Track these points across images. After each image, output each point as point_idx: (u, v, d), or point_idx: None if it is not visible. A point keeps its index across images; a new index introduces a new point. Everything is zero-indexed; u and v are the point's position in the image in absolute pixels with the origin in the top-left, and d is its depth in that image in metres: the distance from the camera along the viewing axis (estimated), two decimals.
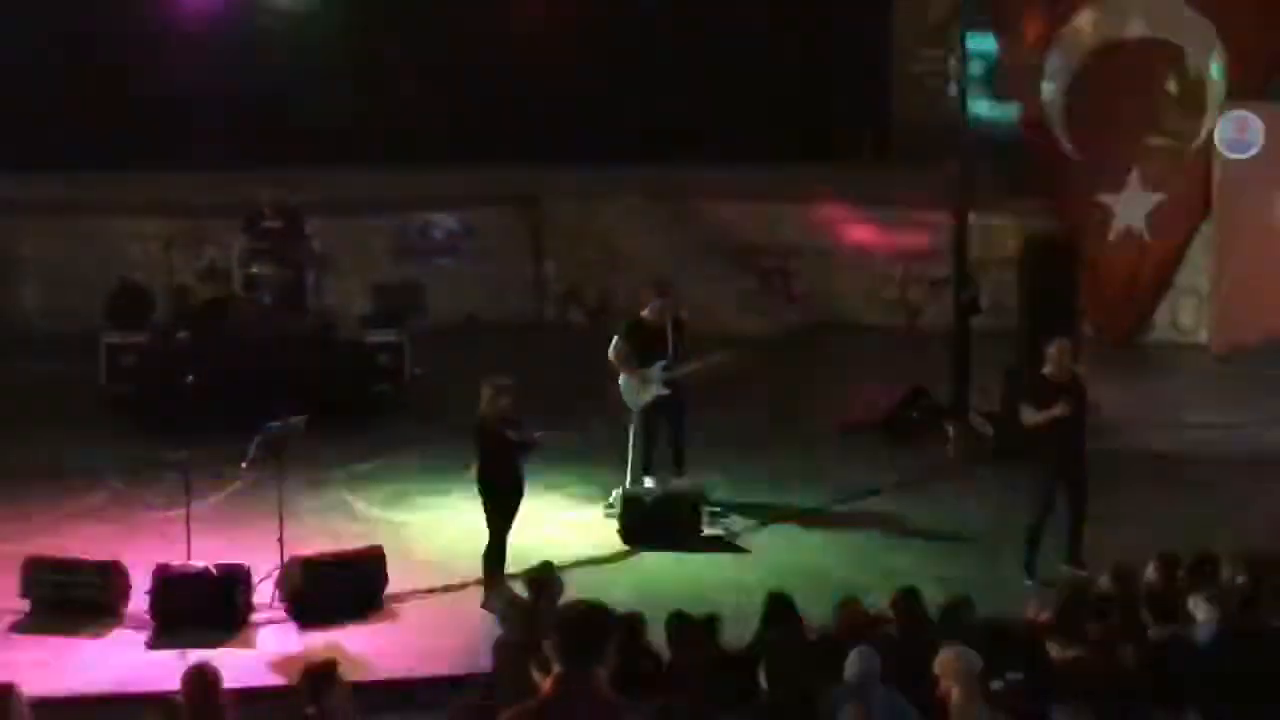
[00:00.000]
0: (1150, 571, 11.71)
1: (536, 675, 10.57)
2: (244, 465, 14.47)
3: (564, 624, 6.53)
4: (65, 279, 22.51)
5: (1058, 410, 13.98)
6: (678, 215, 23.82)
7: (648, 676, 10.02)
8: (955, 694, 9.19)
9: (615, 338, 16.06)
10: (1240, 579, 11.69)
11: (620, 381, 15.94)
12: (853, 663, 9.88)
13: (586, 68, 24.20)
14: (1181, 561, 11.80)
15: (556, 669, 6.43)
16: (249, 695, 11.80)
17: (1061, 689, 9.80)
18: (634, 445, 16.10)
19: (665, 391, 15.90)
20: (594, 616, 6.56)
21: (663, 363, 15.85)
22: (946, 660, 9.46)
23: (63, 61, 23.24)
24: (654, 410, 16.02)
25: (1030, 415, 14.26)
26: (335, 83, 23.86)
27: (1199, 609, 11.05)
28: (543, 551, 13.76)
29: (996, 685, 9.93)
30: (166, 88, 23.18)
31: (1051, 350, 14.47)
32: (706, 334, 16.94)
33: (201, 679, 10.29)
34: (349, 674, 11.13)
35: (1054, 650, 10.58)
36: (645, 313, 16.20)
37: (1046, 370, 14.41)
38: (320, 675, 10.31)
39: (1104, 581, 11.69)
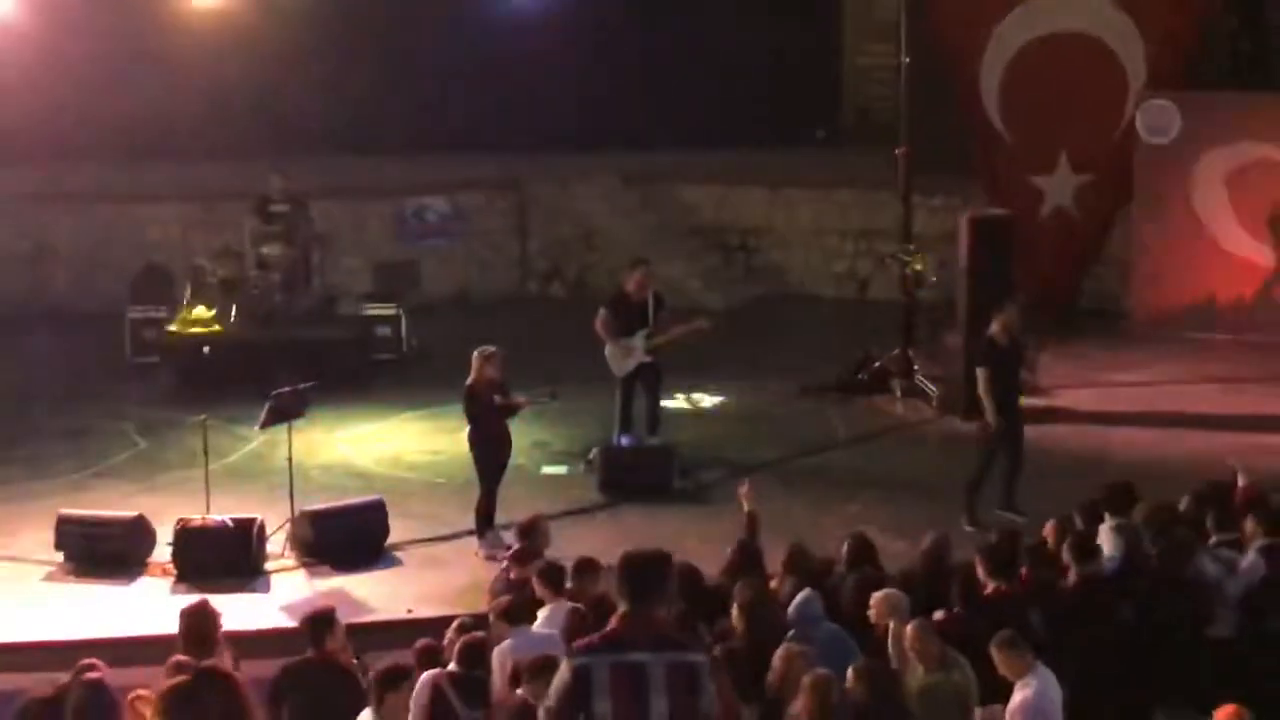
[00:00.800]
0: (1075, 519, 11.90)
1: (499, 620, 10.73)
2: (256, 428, 14.74)
3: (628, 568, 6.64)
4: (93, 261, 22.57)
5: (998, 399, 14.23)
6: (648, 198, 23.99)
7: (709, 615, 10.15)
8: (891, 627, 9.42)
9: (601, 310, 16.19)
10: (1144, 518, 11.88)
11: (606, 351, 16.04)
12: (796, 605, 10.01)
13: (567, 63, 24.29)
14: (1099, 509, 11.99)
15: (623, 607, 6.56)
16: (261, 637, 12.04)
17: (992, 619, 9.95)
18: (618, 407, 16.22)
19: (647, 359, 16.04)
20: (655, 561, 6.69)
21: (644, 332, 15.98)
22: (878, 600, 9.68)
23: (88, 60, 23.20)
24: (635, 375, 16.13)
25: (984, 381, 14.34)
26: (336, 77, 23.88)
27: (1105, 540, 11.24)
28: (529, 503, 14.00)
29: (938, 615, 10.16)
30: (182, 82, 23.17)
31: (1001, 317, 14.63)
32: (675, 306, 17.01)
33: (199, 614, 10.46)
34: (351, 617, 11.36)
35: (988, 586, 10.77)
36: (628, 287, 16.32)
37: (995, 335, 14.57)
38: (320, 620, 10.47)
39: (1046, 529, 11.94)
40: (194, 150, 23.25)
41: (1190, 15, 21.31)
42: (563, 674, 6.44)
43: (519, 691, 8.80)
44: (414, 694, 8.85)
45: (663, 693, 6.28)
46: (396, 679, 8.79)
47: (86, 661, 10.33)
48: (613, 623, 6.55)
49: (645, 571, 6.60)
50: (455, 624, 10.25)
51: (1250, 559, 10.87)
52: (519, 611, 10.32)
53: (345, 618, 11.07)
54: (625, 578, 6.62)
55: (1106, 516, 11.61)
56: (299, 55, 23.56)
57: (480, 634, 9.80)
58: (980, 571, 11.05)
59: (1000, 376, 14.40)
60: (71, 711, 9.68)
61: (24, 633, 12.57)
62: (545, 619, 10.47)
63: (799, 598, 10.08)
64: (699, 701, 6.35)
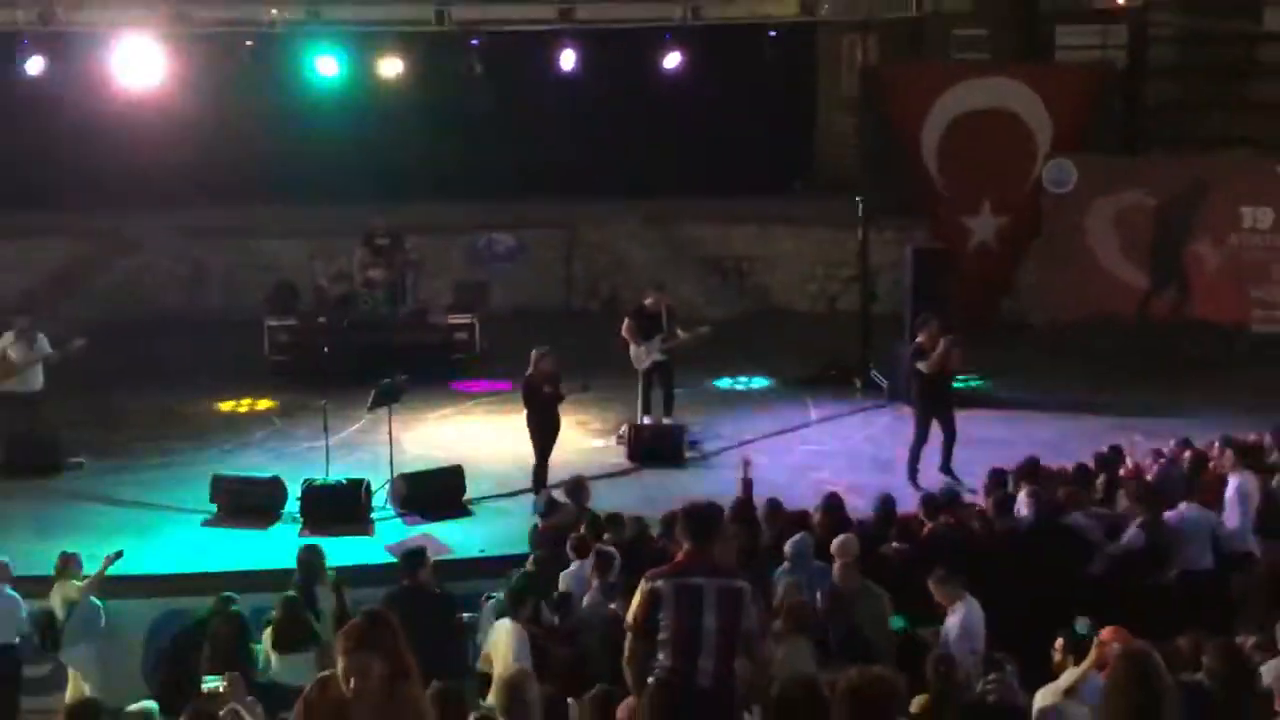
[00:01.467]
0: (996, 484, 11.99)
1: (570, 553, 10.92)
2: (365, 410, 14.95)
3: (689, 514, 6.75)
4: (237, 281, 22.69)
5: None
6: (664, 234, 23.94)
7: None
8: (840, 564, 9.52)
9: (626, 320, 16.32)
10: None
11: (630, 351, 16.14)
12: (790, 545, 10.14)
13: (603, 129, 24.35)
14: (1008, 475, 12.07)
15: (686, 545, 6.65)
16: (368, 570, 12.17)
17: (929, 554, 10.03)
18: (640, 394, 16.30)
19: (661, 358, 16.10)
20: (711, 509, 6.79)
21: (660, 337, 16.04)
22: (837, 544, 9.80)
23: (234, 120, 23.38)
24: (653, 370, 16.19)
25: (924, 366, 14.49)
26: (426, 138, 23.86)
27: (1022, 505, 11.30)
28: (574, 467, 14.22)
29: (887, 550, 10.28)
30: (307, 141, 23.32)
31: (929, 324, 14.76)
32: (684, 317, 17.01)
33: (313, 551, 10.63)
34: (436, 555, 11.47)
35: (926, 527, 10.89)
36: (647, 302, 16.46)
37: (923, 341, 14.66)
38: (414, 556, 10.59)
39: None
40: (316, 195, 23.28)
41: (1085, 96, 21.36)
42: (641, 591, 6.56)
43: None
44: None
45: (714, 610, 6.36)
46: None
47: (226, 594, 10.58)
48: (679, 556, 6.67)
49: (703, 518, 6.71)
50: None
51: (1131, 533, 10.88)
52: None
53: (432, 556, 11.24)
54: (687, 523, 6.72)
55: (1023, 484, 11.70)
56: (397, 120, 23.61)
57: None
58: (920, 514, 11.22)
59: (930, 371, 14.53)
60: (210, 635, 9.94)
61: (186, 566, 12.73)
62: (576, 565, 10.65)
63: (794, 540, 10.24)
64: (741, 620, 6.45)
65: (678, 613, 6.35)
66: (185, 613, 11.61)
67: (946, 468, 14.50)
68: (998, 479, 11.93)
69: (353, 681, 4.86)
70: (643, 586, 6.60)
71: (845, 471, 14.91)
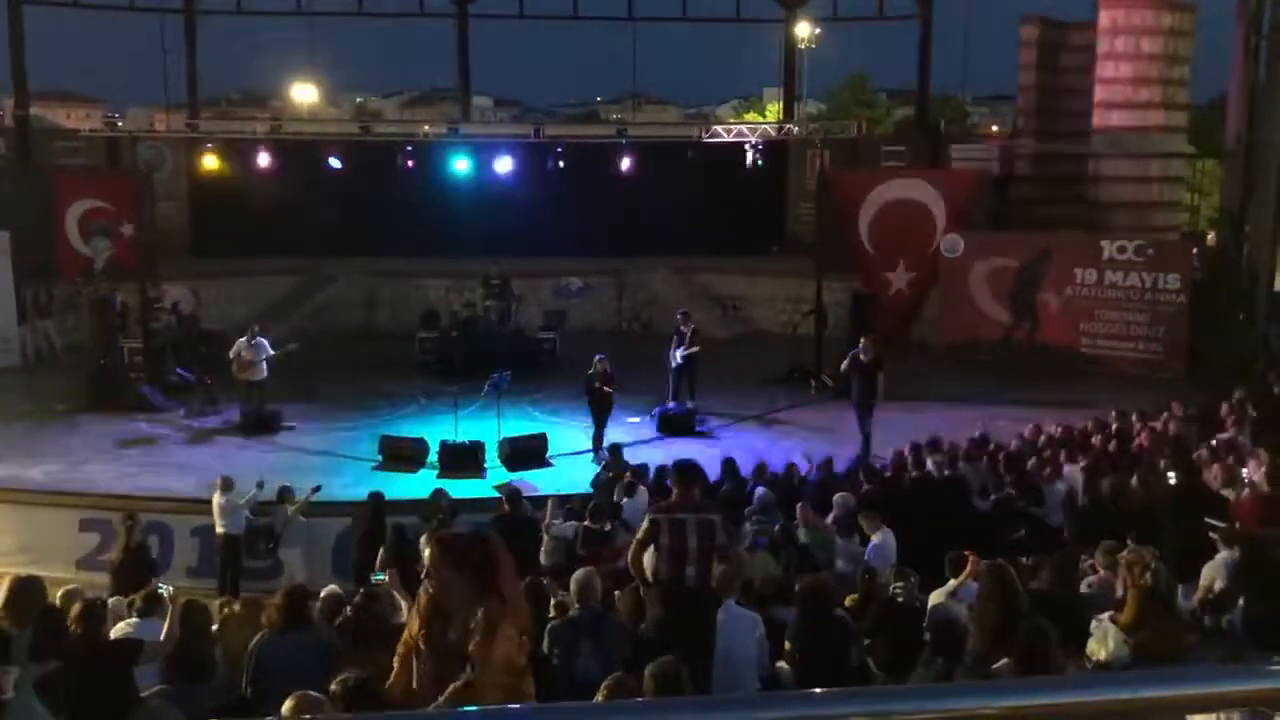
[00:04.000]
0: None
1: (619, 493, 10.84)
2: (483, 394, 14.92)
3: (677, 467, 6.74)
4: (397, 307, 22.76)
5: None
6: (684, 279, 23.88)
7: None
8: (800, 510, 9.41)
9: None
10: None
11: (664, 355, 16.15)
12: (757, 498, 10.01)
13: (642, 208, 24.33)
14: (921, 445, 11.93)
15: (675, 490, 6.65)
16: (481, 501, 12.10)
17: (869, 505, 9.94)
18: (671, 385, 16.20)
19: (682, 361, 16.05)
20: (692, 465, 6.77)
21: (682, 348, 16.01)
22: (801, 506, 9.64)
23: (397, 200, 23.52)
24: (678, 369, 16.11)
25: (864, 356, 14.42)
26: (527, 211, 23.83)
27: (930, 465, 11.19)
28: (618, 437, 14.19)
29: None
30: (445, 209, 23.43)
31: (862, 343, 14.70)
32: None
33: (438, 492, 10.55)
34: (528, 492, 11.43)
35: (864, 486, 10.75)
36: (675, 324, 16.50)
37: (859, 351, 14.59)
38: (513, 492, 10.58)
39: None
40: (452, 249, 23.33)
41: (970, 194, 21.22)
42: (645, 523, 6.56)
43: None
44: None
45: (694, 534, 6.37)
46: None
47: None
48: (672, 497, 6.67)
49: (686, 470, 6.70)
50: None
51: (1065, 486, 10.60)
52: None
53: (525, 493, 11.27)
54: (676, 473, 6.73)
55: (928, 451, 11.56)
56: (507, 200, 23.67)
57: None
58: (860, 475, 11.09)
59: (862, 374, 14.45)
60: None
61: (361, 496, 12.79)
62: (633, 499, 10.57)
63: (759, 493, 10.11)
64: (715, 539, 6.44)
65: (670, 536, 6.37)
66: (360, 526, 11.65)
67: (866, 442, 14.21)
68: (914, 447, 11.79)
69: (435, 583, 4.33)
70: (646, 518, 6.63)
71: (801, 443, 14.72)
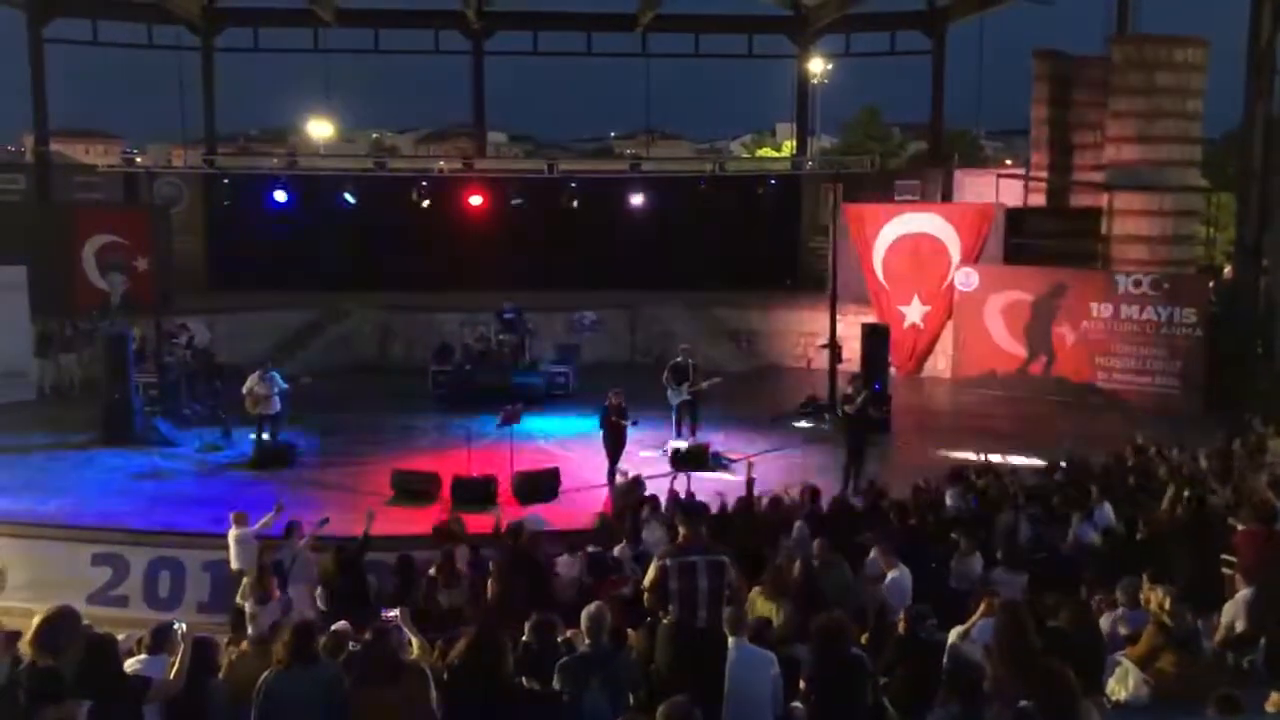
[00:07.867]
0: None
1: (627, 524, 10.74)
2: (496, 426, 14.86)
3: (684, 508, 6.69)
4: (411, 340, 22.80)
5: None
6: (696, 313, 23.92)
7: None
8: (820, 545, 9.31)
9: (665, 371, 16.23)
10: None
11: (668, 392, 16.04)
12: (796, 529, 9.88)
13: (655, 243, 24.39)
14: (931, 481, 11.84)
15: (683, 530, 6.56)
16: (490, 534, 11.91)
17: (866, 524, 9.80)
18: (675, 422, 16.14)
19: (688, 397, 15.99)
20: (699, 507, 6.71)
21: (687, 383, 15.93)
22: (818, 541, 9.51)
23: (410, 235, 23.62)
24: (683, 405, 16.06)
25: (849, 409, 14.36)
26: (537, 248, 24.10)
27: (950, 498, 11.07)
28: (633, 470, 13.97)
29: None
30: (457, 247, 23.55)
31: (853, 384, 14.73)
32: (707, 370, 17.00)
33: (517, 526, 10.48)
34: (533, 527, 11.30)
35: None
36: (679, 358, 16.33)
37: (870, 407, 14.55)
38: (517, 527, 10.48)
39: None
40: (466, 284, 23.53)
41: (982, 229, 21.17)
42: (654, 565, 6.48)
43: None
44: None
45: (704, 575, 6.29)
46: None
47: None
48: (680, 538, 6.58)
49: (694, 511, 6.63)
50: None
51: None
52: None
53: (532, 527, 11.14)
54: (682, 514, 6.65)
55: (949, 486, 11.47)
56: (520, 235, 23.96)
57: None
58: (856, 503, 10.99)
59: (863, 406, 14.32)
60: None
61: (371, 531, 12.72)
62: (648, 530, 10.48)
63: (799, 526, 9.97)
64: (724, 581, 6.36)
65: (680, 579, 6.29)
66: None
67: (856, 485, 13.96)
68: (926, 481, 11.65)
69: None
70: (655, 561, 6.53)
71: (816, 472, 14.55)
